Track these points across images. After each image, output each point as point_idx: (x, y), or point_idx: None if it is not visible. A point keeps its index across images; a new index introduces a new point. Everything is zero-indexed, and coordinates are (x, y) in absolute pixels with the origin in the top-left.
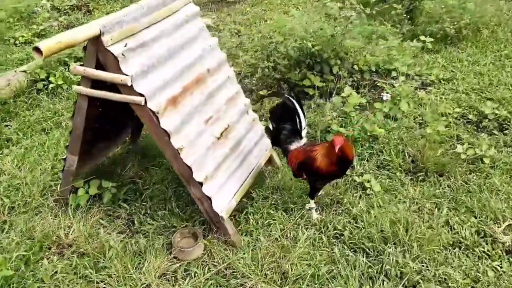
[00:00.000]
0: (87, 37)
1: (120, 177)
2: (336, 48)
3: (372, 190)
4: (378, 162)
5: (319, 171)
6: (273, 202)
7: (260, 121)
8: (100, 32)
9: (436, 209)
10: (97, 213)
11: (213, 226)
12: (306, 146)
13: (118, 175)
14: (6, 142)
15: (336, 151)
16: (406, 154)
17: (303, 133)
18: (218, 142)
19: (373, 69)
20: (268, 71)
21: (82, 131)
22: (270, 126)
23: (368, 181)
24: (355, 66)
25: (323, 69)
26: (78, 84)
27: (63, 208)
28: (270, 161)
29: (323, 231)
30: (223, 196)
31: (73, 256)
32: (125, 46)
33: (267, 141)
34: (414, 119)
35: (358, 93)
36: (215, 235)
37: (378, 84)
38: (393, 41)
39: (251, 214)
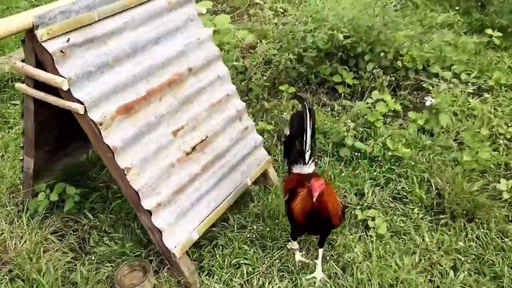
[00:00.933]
0: (19, 29)
1: (93, 181)
2: (374, 41)
3: (376, 232)
4: (395, 191)
5: (292, 215)
6: (249, 235)
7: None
8: (33, 24)
9: (453, 270)
10: (54, 223)
11: (166, 261)
12: (310, 174)
13: (91, 178)
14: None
15: (314, 199)
16: (433, 185)
17: (306, 156)
18: (187, 158)
19: (420, 67)
20: (291, 63)
21: (33, 134)
22: (286, 132)
23: (373, 219)
24: (398, 63)
25: (359, 64)
26: (23, 82)
27: (20, 213)
28: (265, 176)
29: (300, 284)
30: (181, 227)
31: (5, 277)
32: (67, 41)
33: (261, 153)
34: (457, 135)
35: (395, 95)
36: (168, 271)
37: (424, 85)
38: (447, 35)
39: (220, 247)
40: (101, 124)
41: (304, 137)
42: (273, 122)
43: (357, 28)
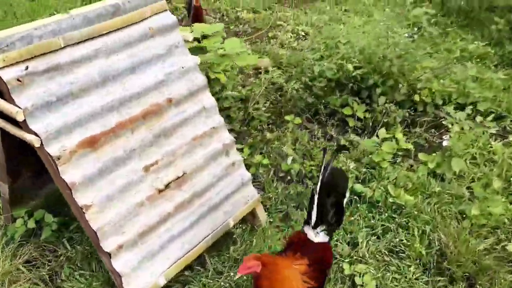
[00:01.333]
0: None
1: None
2: (387, 73)
3: None
4: (392, 243)
5: None
6: (224, 283)
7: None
8: None
9: None
10: (29, 251)
11: None
12: (314, 244)
13: None
14: None
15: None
16: (436, 240)
17: (312, 219)
18: (159, 195)
19: (439, 102)
20: (298, 92)
21: (3, 159)
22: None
23: (362, 275)
24: (415, 96)
25: (372, 96)
26: None
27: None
28: (253, 215)
29: None
30: (147, 270)
31: None
32: (25, 69)
33: (249, 191)
34: (472, 181)
35: (409, 132)
36: None
37: (443, 122)
38: (471, 68)
39: None
40: (58, 159)
41: (314, 198)
42: (271, 155)
43: (369, 59)
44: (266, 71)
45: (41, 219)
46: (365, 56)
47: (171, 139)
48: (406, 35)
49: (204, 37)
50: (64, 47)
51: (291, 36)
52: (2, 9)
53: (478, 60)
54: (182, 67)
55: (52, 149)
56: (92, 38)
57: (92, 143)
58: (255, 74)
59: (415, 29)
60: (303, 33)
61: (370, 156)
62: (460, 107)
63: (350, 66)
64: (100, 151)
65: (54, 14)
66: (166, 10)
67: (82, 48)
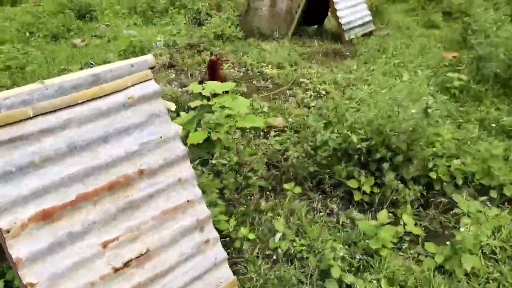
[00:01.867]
0: None
1: None
2: (397, 147)
3: None
4: None
5: None
6: None
7: None
8: None
9: None
10: None
11: None
12: None
13: None
14: None
15: None
16: None
17: None
18: (115, 274)
19: (459, 181)
20: (298, 160)
21: None
22: None
23: None
24: (431, 173)
25: (382, 170)
26: None
27: None
28: None
29: None
30: None
31: None
32: None
33: (223, 273)
34: (487, 282)
35: (420, 213)
36: None
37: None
38: (497, 146)
39: None
40: (8, 232)
41: None
42: (261, 228)
43: (377, 131)
44: (277, 132)
45: (11, 280)
46: (373, 128)
47: (137, 212)
48: (425, 105)
49: (216, 95)
50: (33, 116)
51: (311, 95)
52: (44, 55)
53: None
54: (161, 137)
55: (3, 222)
56: (65, 108)
57: (47, 216)
58: (267, 133)
59: (444, 97)
60: (324, 92)
61: (367, 241)
62: (484, 190)
63: (355, 138)
64: (55, 224)
65: (90, 61)
66: (150, 79)
67: (52, 118)
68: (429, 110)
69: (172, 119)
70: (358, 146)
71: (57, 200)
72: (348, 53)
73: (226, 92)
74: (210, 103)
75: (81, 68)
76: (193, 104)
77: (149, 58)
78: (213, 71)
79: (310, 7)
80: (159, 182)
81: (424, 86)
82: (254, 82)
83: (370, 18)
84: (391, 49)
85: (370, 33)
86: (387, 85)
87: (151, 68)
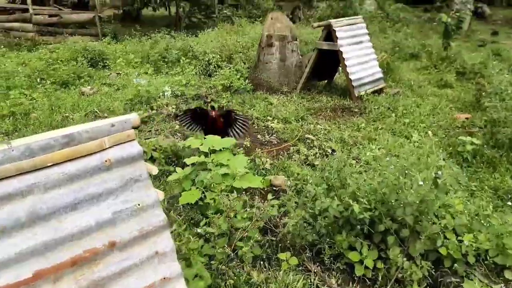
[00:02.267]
0: None
1: None
2: (403, 220)
3: None
4: None
5: None
6: None
7: None
8: None
9: None
10: None
11: None
12: None
13: None
14: None
15: None
16: None
17: None
18: None
19: (471, 259)
20: (295, 228)
21: None
22: None
23: None
24: (442, 249)
25: (386, 242)
26: None
27: None
28: None
29: None
30: None
31: None
32: None
33: None
34: None
35: None
36: None
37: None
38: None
39: None
40: None
41: None
42: None
43: (381, 200)
44: (278, 190)
45: None
46: (377, 197)
47: None
48: (439, 173)
49: (214, 151)
50: None
51: (316, 153)
52: (50, 102)
53: None
54: (138, 205)
55: None
56: (31, 171)
57: None
58: (267, 192)
59: (456, 167)
60: (329, 150)
61: None
62: (498, 270)
63: (356, 208)
64: None
65: (95, 110)
66: (133, 140)
67: (14, 182)
68: (439, 181)
69: (168, 175)
70: (361, 216)
71: (11, 278)
72: (357, 110)
73: (226, 148)
74: (207, 159)
75: (85, 116)
76: (188, 161)
77: (132, 117)
78: (213, 129)
79: (321, 62)
80: (132, 256)
81: (435, 148)
82: (259, 136)
83: (380, 75)
84: (401, 107)
85: (380, 91)
86: (396, 146)
87: (135, 127)
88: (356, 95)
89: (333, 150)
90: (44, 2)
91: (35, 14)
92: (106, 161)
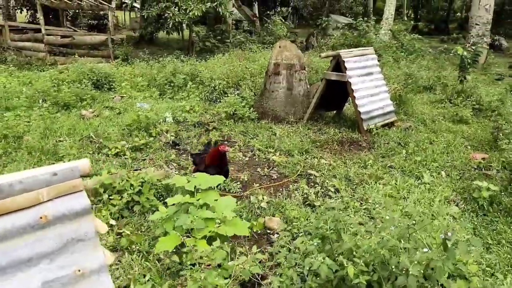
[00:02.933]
0: None
1: None
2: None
3: None
4: None
5: None
6: None
7: None
8: None
9: None
10: None
11: None
12: None
13: None
14: None
15: None
16: None
17: None
18: None
19: None
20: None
21: None
22: None
23: None
24: None
25: None
26: None
27: None
28: None
29: None
30: None
31: None
32: None
33: None
34: None
35: None
36: None
37: None
38: None
39: None
40: None
41: None
42: None
43: (381, 264)
44: (270, 239)
45: None
46: (375, 258)
47: None
48: (448, 234)
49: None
50: None
51: (317, 191)
52: (45, 125)
53: None
54: (79, 270)
55: None
56: None
57: None
58: (261, 236)
59: (469, 210)
60: (332, 190)
61: None
62: None
63: (351, 270)
64: None
65: (90, 135)
66: (79, 191)
67: None
68: (448, 243)
69: (146, 213)
70: (356, 281)
71: None
72: (365, 144)
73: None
74: (191, 199)
75: (80, 140)
76: (170, 201)
77: (81, 163)
78: (220, 163)
79: (329, 92)
80: None
81: (447, 192)
82: (259, 169)
83: (392, 108)
84: (413, 144)
85: (391, 124)
86: (405, 187)
87: (85, 176)
88: (365, 128)
89: (337, 190)
90: (60, 22)
91: (48, 35)
92: (41, 217)
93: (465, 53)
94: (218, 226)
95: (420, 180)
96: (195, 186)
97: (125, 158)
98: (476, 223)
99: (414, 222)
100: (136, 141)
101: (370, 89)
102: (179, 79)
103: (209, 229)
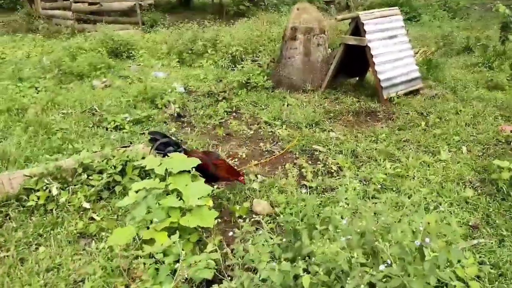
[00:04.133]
0: None
1: None
2: None
3: None
4: None
5: None
6: None
7: None
8: None
9: None
10: None
11: None
12: None
13: None
14: None
15: None
16: None
17: None
18: None
19: None
20: None
21: None
22: None
23: None
24: None
25: None
26: None
27: None
28: None
29: None
30: None
31: None
32: None
33: None
34: None
35: None
36: None
37: None
38: None
39: None
40: None
41: None
42: None
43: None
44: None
45: None
46: (336, 269)
47: None
48: (417, 242)
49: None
50: None
51: (318, 169)
52: (49, 98)
53: None
54: None
55: None
56: None
57: None
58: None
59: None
60: (334, 168)
61: None
62: None
63: (306, 280)
64: None
65: (94, 107)
66: None
67: None
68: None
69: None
70: None
71: None
72: (383, 115)
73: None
74: (159, 185)
75: (82, 113)
76: (135, 187)
77: None
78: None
79: (349, 58)
80: None
81: (465, 170)
82: (261, 144)
83: (417, 74)
84: (435, 115)
85: (416, 92)
86: (417, 165)
87: None
88: (385, 97)
89: (340, 168)
90: None
91: (75, 2)
92: None
93: (507, 11)
94: (182, 216)
95: (436, 157)
96: (166, 169)
97: (124, 132)
98: (491, 209)
99: (391, 219)
100: (137, 114)
101: (393, 54)
102: (198, 46)
103: (171, 219)
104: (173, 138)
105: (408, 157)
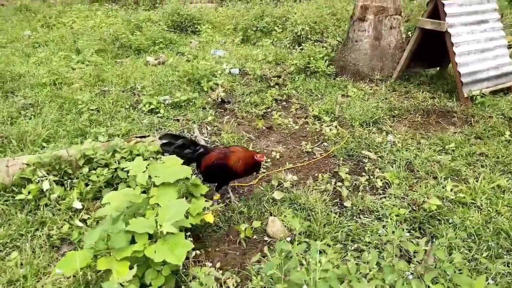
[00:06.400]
0: None
1: None
2: None
3: None
4: None
5: None
6: None
7: None
8: None
9: None
10: None
11: None
12: None
13: None
14: None
15: None
16: None
17: None
18: None
19: None
20: None
21: None
22: None
23: None
24: None
25: None
26: None
27: None
28: None
29: None
30: None
31: None
32: None
33: None
34: None
35: None
36: None
37: None
38: None
39: None
40: None
41: None
42: None
43: None
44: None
45: None
46: None
47: None
48: None
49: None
50: None
51: (359, 185)
52: (94, 73)
53: None
54: None
55: None
56: None
57: None
58: (252, 244)
59: None
60: (380, 184)
61: None
62: None
63: None
64: None
65: (136, 87)
66: None
67: None
68: None
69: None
70: None
71: None
72: (458, 118)
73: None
74: (135, 199)
75: (123, 91)
76: (107, 198)
77: None
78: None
79: (428, 44)
80: None
81: None
82: (303, 143)
83: (510, 68)
84: None
85: (507, 91)
86: (487, 190)
87: None
88: (465, 95)
89: (387, 184)
90: None
91: None
92: None
93: None
94: (149, 245)
95: None
96: (148, 178)
97: (158, 117)
98: None
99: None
100: (177, 97)
101: (481, 43)
102: (263, 24)
103: (135, 248)
104: (187, 136)
105: (478, 178)
